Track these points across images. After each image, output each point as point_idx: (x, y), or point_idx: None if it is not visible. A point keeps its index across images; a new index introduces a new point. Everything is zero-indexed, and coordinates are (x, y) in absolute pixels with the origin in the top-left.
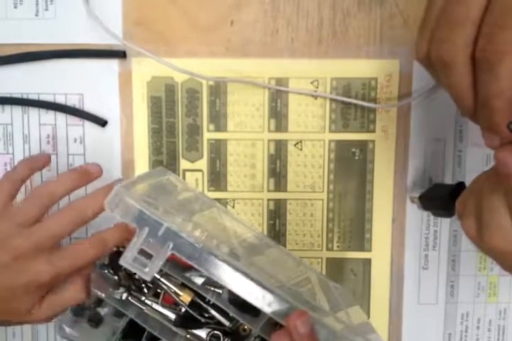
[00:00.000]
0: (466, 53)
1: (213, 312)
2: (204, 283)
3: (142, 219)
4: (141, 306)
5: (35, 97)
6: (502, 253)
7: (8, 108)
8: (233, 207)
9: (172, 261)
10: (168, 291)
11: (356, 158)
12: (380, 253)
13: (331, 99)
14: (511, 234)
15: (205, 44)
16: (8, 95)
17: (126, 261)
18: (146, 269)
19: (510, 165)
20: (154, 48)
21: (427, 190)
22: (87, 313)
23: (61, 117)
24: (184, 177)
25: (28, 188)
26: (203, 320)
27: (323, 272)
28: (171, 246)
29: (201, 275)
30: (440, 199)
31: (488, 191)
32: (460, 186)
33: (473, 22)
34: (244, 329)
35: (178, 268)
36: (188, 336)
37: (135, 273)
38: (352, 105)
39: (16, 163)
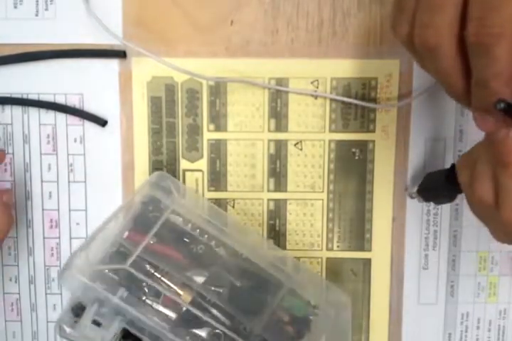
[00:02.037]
0: (451, 36)
1: (214, 312)
2: (205, 283)
3: (90, 294)
4: (141, 306)
5: (35, 97)
6: (486, 205)
7: (8, 108)
8: (233, 207)
9: (173, 261)
10: (169, 291)
11: (356, 158)
12: (380, 253)
13: (331, 99)
14: (490, 185)
15: (205, 44)
16: (8, 95)
17: (80, 331)
18: (99, 339)
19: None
20: (154, 48)
21: (422, 182)
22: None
23: (61, 117)
24: (184, 177)
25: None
26: (203, 319)
27: (323, 272)
28: (121, 319)
29: (202, 275)
30: (438, 187)
31: (487, 149)
32: (453, 168)
33: (455, 4)
34: (245, 329)
35: (178, 267)
36: (189, 336)
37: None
38: (352, 105)
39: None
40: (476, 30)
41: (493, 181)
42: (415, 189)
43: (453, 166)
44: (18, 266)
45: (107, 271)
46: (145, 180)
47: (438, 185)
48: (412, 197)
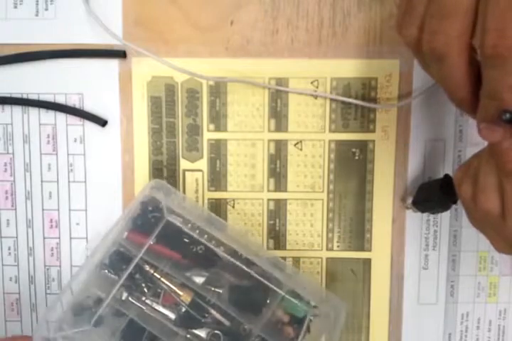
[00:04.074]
0: (460, 44)
1: (213, 312)
2: (204, 283)
3: None
4: (141, 306)
5: (35, 97)
6: (491, 216)
7: (8, 108)
8: (233, 207)
9: (172, 261)
10: (169, 291)
11: (356, 158)
12: (380, 253)
13: (331, 99)
14: (496, 195)
15: (205, 44)
16: (8, 95)
17: None
18: None
19: None
20: (154, 48)
21: (416, 193)
22: (87, 313)
23: (61, 117)
24: (184, 177)
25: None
26: (203, 319)
27: (323, 272)
28: None
29: (201, 275)
30: (433, 198)
31: (489, 159)
32: (447, 178)
33: (466, 12)
34: (245, 329)
35: (178, 267)
36: (188, 336)
37: (135, 273)
38: (352, 105)
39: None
40: (494, 41)
41: (498, 191)
42: (410, 200)
43: (446, 176)
44: (18, 266)
45: (106, 271)
46: (142, 187)
47: (432, 197)
48: (407, 208)
